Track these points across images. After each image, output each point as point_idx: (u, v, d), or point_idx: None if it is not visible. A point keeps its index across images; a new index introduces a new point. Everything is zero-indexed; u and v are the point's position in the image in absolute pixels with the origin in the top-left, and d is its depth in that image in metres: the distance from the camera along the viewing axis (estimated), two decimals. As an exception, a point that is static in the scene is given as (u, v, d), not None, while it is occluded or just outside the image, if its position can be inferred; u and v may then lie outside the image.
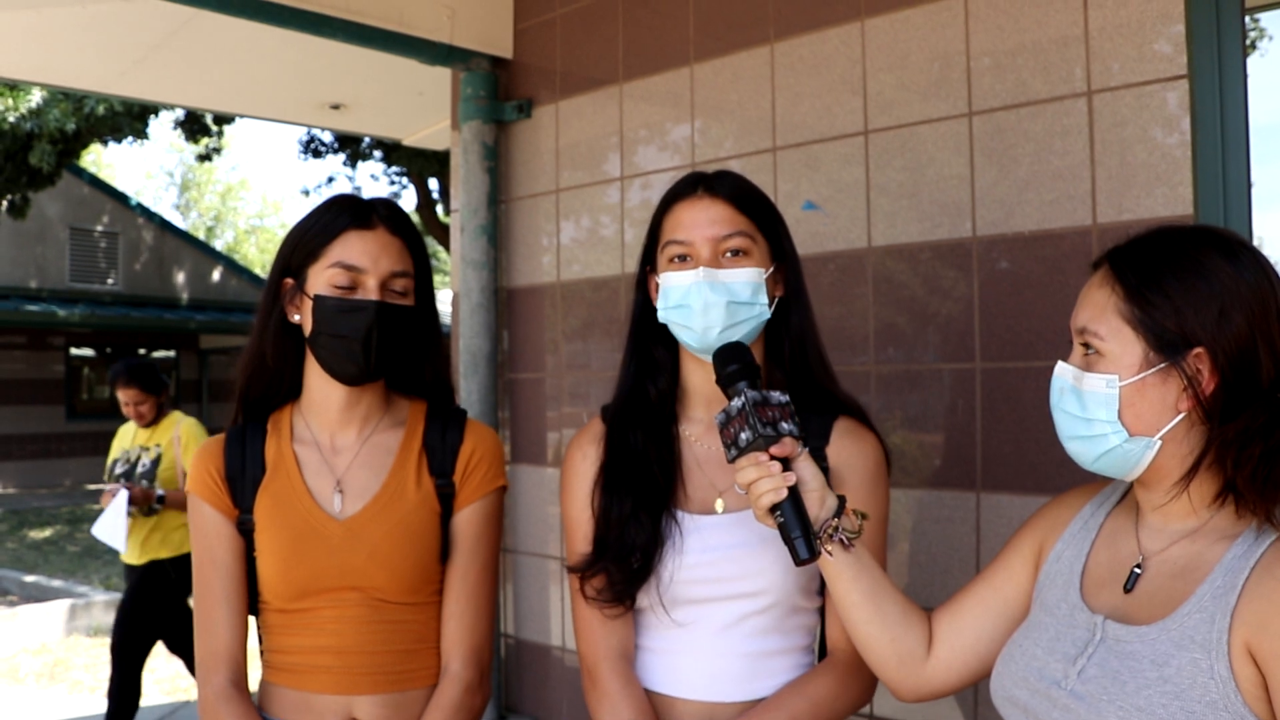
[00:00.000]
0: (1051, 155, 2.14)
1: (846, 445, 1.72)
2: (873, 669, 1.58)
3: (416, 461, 1.85)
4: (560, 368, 3.12)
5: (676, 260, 1.70)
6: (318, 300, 1.76)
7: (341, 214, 1.78)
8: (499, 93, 3.24)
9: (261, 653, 1.88)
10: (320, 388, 1.85)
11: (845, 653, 1.69)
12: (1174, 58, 2.00)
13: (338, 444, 1.86)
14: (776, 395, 1.50)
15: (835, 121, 2.48)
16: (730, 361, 1.55)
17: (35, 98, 11.05)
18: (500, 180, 3.25)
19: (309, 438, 1.87)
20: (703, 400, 1.77)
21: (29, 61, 3.93)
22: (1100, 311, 1.34)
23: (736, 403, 1.49)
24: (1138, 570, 1.36)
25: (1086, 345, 1.35)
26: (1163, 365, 1.29)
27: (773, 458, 1.46)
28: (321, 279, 1.76)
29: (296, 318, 1.82)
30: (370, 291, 1.75)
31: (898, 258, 2.37)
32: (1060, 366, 1.40)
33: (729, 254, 1.68)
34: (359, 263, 1.75)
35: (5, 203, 12.74)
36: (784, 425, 1.47)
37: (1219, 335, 1.27)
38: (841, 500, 1.50)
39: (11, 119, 11.08)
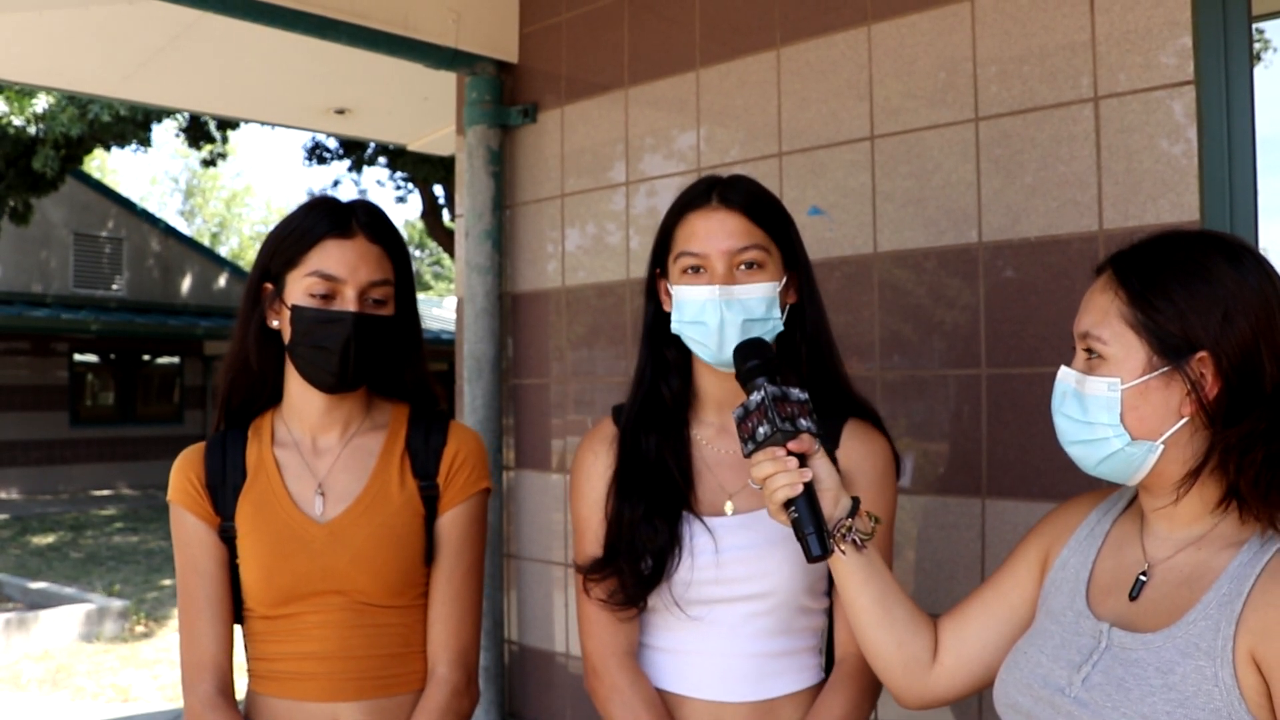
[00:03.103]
0: (1058, 161, 2.14)
1: (856, 447, 1.71)
2: (878, 674, 1.57)
3: (399, 464, 1.84)
4: (565, 374, 3.11)
5: (690, 272, 1.68)
6: (295, 311, 1.75)
7: (320, 220, 1.77)
8: (504, 97, 3.23)
9: (248, 663, 1.86)
10: (300, 392, 1.84)
11: (855, 658, 1.68)
12: (1181, 65, 2.00)
13: (319, 447, 1.85)
14: (795, 392, 1.50)
15: (841, 127, 2.47)
16: (751, 357, 1.55)
17: (41, 102, 11.05)
18: (505, 185, 3.25)
19: (290, 441, 1.86)
20: (714, 404, 1.77)
21: (32, 64, 3.93)
22: (1103, 316, 1.34)
23: (755, 397, 1.49)
24: (1143, 578, 1.35)
25: (1089, 350, 1.35)
26: (1166, 369, 1.28)
27: (790, 453, 1.46)
28: (299, 287, 1.75)
29: (275, 323, 1.81)
30: (348, 302, 1.74)
31: (904, 264, 2.37)
32: (1063, 371, 1.39)
33: (743, 267, 1.66)
34: (337, 272, 1.74)
35: (8, 208, 12.74)
36: (802, 421, 1.47)
37: (1222, 339, 1.26)
38: (855, 501, 1.50)
39: (18, 123, 11.07)
